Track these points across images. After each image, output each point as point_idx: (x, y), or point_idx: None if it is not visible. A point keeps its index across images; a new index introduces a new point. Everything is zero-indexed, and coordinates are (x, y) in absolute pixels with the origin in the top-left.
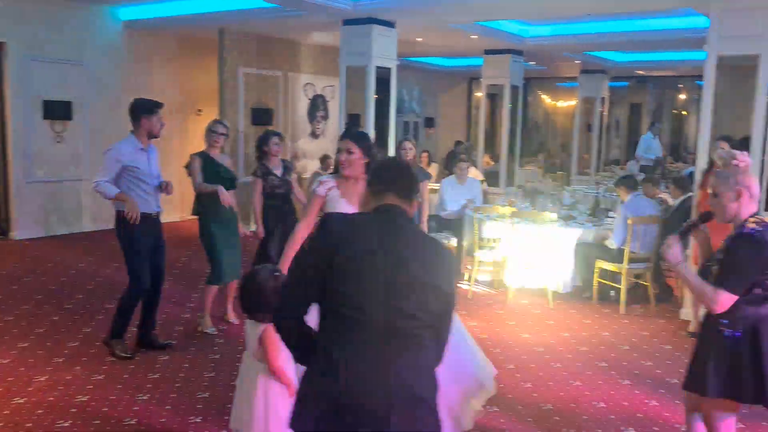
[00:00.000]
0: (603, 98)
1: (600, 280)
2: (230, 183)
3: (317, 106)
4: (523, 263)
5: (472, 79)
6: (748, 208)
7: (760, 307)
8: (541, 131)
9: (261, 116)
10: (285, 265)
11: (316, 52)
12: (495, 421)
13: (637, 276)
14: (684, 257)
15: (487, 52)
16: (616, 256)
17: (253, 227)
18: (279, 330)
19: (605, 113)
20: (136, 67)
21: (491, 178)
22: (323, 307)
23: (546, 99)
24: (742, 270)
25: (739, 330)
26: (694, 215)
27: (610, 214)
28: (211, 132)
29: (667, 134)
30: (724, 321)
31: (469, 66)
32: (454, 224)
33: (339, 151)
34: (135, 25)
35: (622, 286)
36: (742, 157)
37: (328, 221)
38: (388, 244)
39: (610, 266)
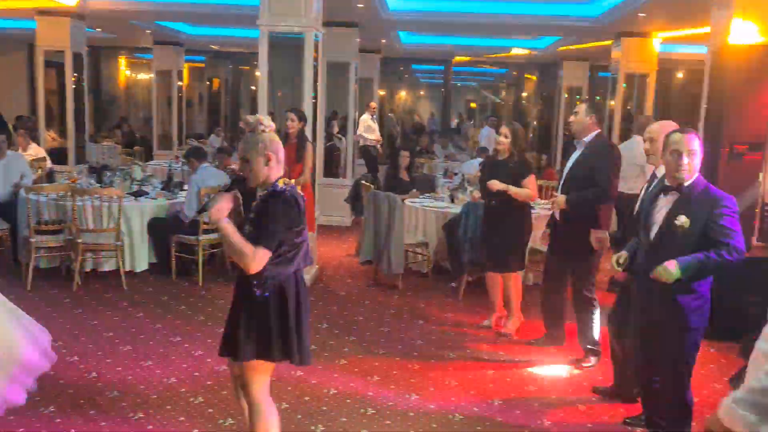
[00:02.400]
0: (180, 71)
1: (177, 254)
2: None
3: None
4: (92, 244)
5: (32, 45)
6: (276, 171)
7: (286, 267)
8: (121, 105)
9: None
10: None
11: None
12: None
13: (213, 246)
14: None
15: (40, 13)
16: (191, 229)
17: None
18: None
19: (184, 87)
20: None
21: (59, 155)
22: None
23: (124, 71)
24: (276, 227)
25: (268, 290)
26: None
27: (185, 186)
28: None
29: (248, 109)
30: (255, 281)
31: (27, 29)
32: (5, 209)
33: None
34: None
35: (200, 258)
36: (268, 122)
37: None
38: None
39: (185, 239)
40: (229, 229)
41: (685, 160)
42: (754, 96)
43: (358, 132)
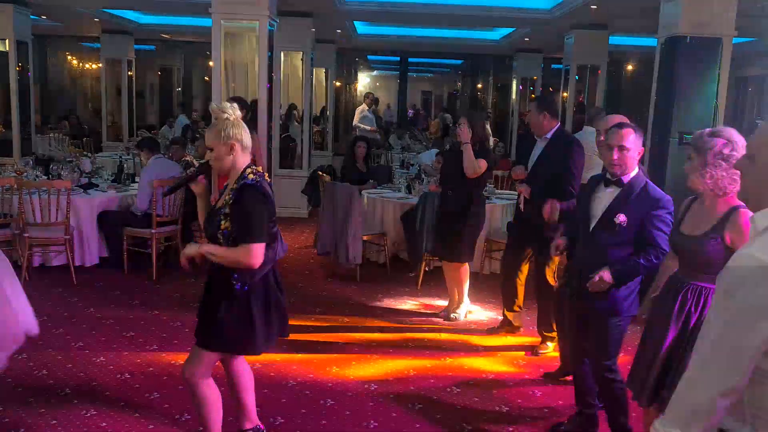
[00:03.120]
0: (130, 61)
1: (130, 247)
2: None
3: None
4: (39, 238)
5: None
6: (243, 159)
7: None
8: (69, 95)
9: None
10: None
11: None
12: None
13: (167, 239)
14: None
15: None
16: (143, 222)
17: None
18: None
19: (134, 77)
20: None
21: (3, 146)
22: None
23: (72, 60)
24: (260, 219)
25: (248, 283)
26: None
27: (137, 179)
28: None
29: (201, 100)
30: (235, 274)
31: None
32: None
33: None
34: None
35: (153, 252)
36: (231, 110)
37: None
38: None
39: (138, 232)
40: (212, 249)
41: (615, 155)
42: (702, 86)
43: (355, 122)
